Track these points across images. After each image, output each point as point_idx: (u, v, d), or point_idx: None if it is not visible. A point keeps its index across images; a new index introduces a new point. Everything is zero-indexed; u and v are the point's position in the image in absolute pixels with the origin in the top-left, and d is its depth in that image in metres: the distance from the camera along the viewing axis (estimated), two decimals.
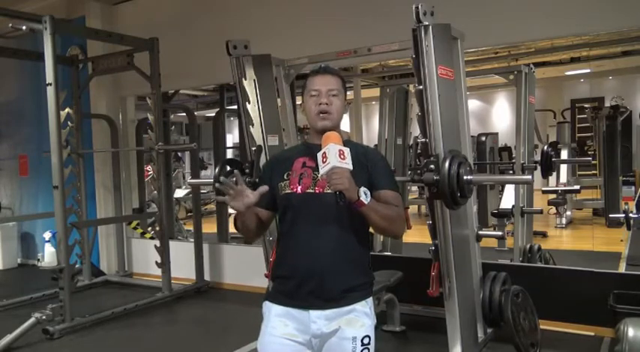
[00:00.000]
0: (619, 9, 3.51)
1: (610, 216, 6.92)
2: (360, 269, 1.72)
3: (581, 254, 6.08)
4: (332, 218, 1.65)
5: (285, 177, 1.73)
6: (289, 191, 1.70)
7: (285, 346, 1.66)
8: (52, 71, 4.09)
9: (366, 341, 1.66)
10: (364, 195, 1.54)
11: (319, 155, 1.54)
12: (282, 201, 1.73)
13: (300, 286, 1.66)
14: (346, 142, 1.64)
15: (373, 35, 3.89)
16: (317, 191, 1.67)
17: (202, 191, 7.53)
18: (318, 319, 1.64)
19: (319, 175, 1.59)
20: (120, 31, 5.12)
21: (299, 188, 1.69)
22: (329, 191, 1.58)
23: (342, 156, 1.51)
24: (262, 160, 3.14)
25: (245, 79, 3.25)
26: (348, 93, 1.85)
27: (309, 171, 1.70)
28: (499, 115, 12.38)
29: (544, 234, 6.95)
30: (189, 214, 8.93)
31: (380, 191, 1.68)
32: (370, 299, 1.73)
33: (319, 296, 1.65)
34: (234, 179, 1.59)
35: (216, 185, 2.30)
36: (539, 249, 4.65)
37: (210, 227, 6.28)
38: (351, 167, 1.52)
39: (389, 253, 4.98)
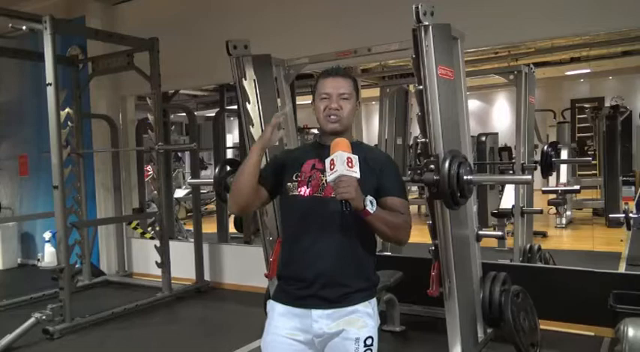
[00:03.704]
0: (619, 9, 3.51)
1: (610, 216, 6.90)
2: (365, 272, 1.72)
3: (581, 254, 6.07)
4: (337, 222, 1.65)
5: (294, 178, 1.73)
6: (297, 193, 1.71)
7: (288, 345, 1.67)
8: (52, 71, 4.09)
9: (368, 342, 1.65)
10: (370, 205, 1.55)
11: (327, 161, 1.53)
12: (289, 202, 1.74)
13: (304, 288, 1.67)
14: (355, 146, 1.64)
15: (373, 35, 3.88)
16: (324, 195, 1.67)
17: (202, 191, 7.52)
18: (320, 318, 1.65)
19: (326, 181, 1.59)
20: (120, 31, 5.12)
21: (307, 191, 1.70)
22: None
23: (349, 165, 1.51)
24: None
25: (245, 79, 3.25)
26: None
27: (317, 173, 1.70)
28: (499, 115, 12.36)
29: (544, 234, 6.94)
30: (189, 214, 8.92)
31: (387, 197, 1.68)
32: (374, 301, 1.73)
33: (322, 297, 1.65)
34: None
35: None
36: (539, 249, 4.65)
37: (210, 227, 6.27)
38: (358, 175, 1.52)
39: (389, 253, 4.97)
